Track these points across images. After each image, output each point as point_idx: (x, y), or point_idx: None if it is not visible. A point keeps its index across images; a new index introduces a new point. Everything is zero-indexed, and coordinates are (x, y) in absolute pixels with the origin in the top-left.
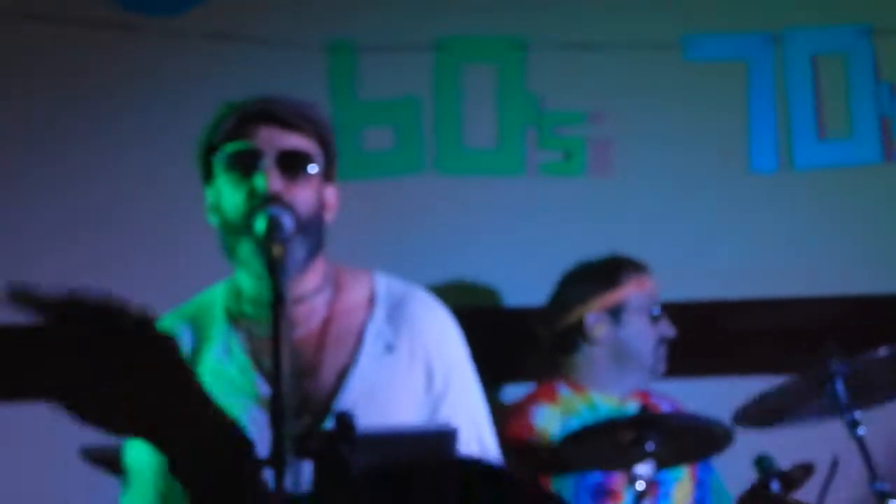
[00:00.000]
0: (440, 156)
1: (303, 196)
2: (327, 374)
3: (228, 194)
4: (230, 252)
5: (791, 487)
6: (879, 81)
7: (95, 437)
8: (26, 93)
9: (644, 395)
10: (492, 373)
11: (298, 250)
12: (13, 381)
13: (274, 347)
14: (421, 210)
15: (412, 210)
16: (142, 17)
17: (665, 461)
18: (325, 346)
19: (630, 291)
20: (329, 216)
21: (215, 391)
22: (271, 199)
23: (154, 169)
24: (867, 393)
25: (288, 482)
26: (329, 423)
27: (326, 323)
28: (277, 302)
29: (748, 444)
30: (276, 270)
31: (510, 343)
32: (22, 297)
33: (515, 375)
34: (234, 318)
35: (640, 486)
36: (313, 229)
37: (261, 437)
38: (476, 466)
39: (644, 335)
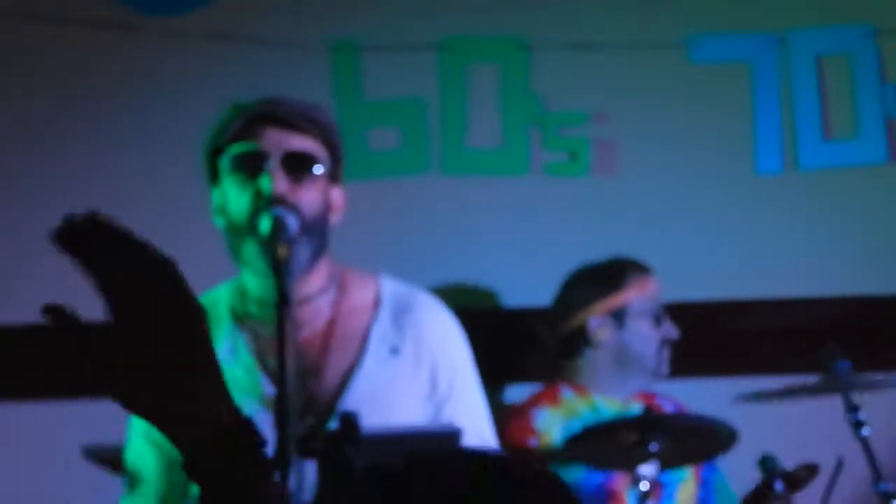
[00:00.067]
0: (444, 156)
1: (308, 197)
2: (332, 375)
3: (234, 196)
4: (235, 253)
5: (795, 488)
6: (885, 82)
7: (96, 436)
8: (26, 93)
9: (649, 396)
10: (495, 373)
11: (303, 251)
12: (14, 381)
13: (279, 348)
14: (425, 210)
15: (417, 210)
16: (142, 17)
17: (669, 462)
18: (329, 348)
19: (633, 295)
20: (335, 217)
21: None
22: (276, 201)
23: (154, 169)
24: None
25: (292, 482)
26: (333, 424)
27: (331, 324)
28: (282, 302)
29: (752, 444)
30: (280, 271)
31: (514, 344)
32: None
33: (518, 376)
34: (240, 319)
35: (644, 486)
36: (318, 230)
37: (266, 438)
38: (483, 458)
39: (647, 338)
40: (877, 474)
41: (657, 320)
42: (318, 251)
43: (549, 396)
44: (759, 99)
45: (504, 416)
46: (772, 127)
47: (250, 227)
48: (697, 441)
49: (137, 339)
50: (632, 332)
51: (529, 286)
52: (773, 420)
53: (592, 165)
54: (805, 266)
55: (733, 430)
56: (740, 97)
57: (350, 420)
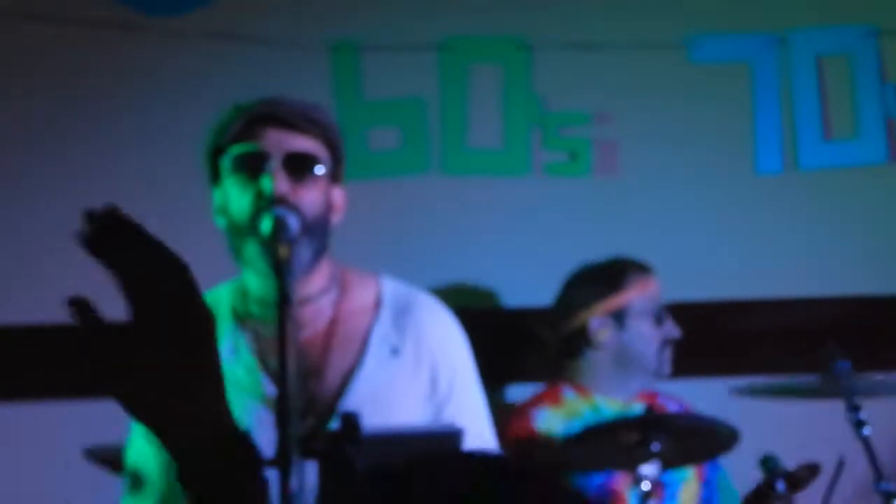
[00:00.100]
0: (445, 156)
1: (309, 198)
2: (332, 376)
3: (235, 196)
4: (237, 253)
5: (797, 487)
6: (885, 82)
7: (97, 436)
8: (26, 93)
9: (651, 395)
10: (495, 374)
11: (304, 251)
12: (14, 381)
13: (280, 348)
14: (426, 210)
15: (417, 210)
16: (142, 16)
17: (670, 462)
18: (330, 348)
19: (633, 295)
20: (336, 218)
21: None
22: (278, 201)
23: (154, 169)
24: None
25: (293, 483)
26: (334, 425)
27: (332, 324)
28: (283, 303)
29: (753, 444)
30: (281, 271)
31: (515, 344)
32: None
33: (519, 376)
34: (241, 318)
35: (646, 486)
36: (319, 231)
37: (267, 438)
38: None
39: (648, 338)
40: (878, 474)
41: (658, 320)
42: (320, 251)
43: (550, 396)
44: (760, 99)
45: (505, 415)
46: (772, 127)
47: (251, 227)
48: (699, 441)
49: (145, 339)
50: (633, 332)
51: (530, 286)
52: (774, 420)
53: (594, 165)
54: (805, 266)
55: (734, 430)
56: (740, 97)
57: (351, 420)
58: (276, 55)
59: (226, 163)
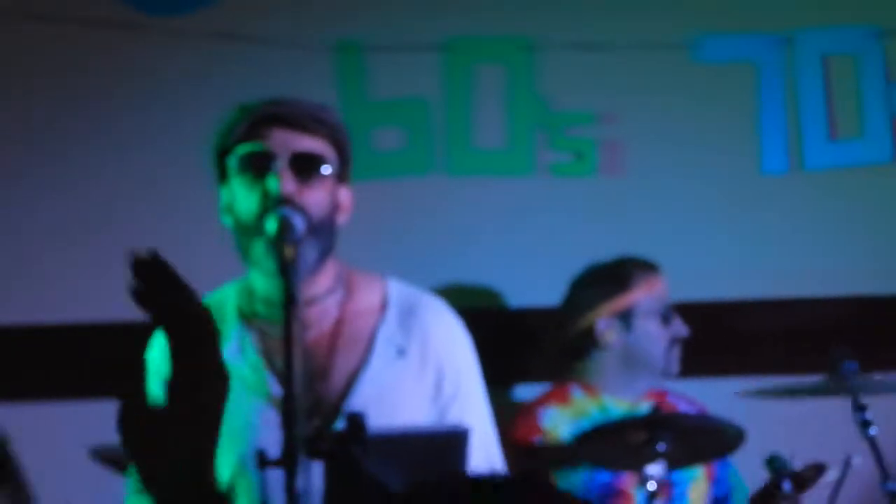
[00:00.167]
0: (449, 156)
1: (315, 198)
2: (338, 377)
3: (242, 196)
4: (243, 253)
5: (803, 487)
6: (890, 82)
7: (97, 436)
8: (26, 93)
9: (661, 394)
10: (500, 374)
11: (310, 252)
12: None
13: (286, 348)
14: (430, 211)
15: (422, 211)
16: (142, 16)
17: (677, 461)
18: (336, 349)
19: (640, 295)
20: (342, 218)
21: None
22: (284, 201)
23: (154, 169)
24: None
25: (299, 483)
26: (339, 425)
27: (338, 325)
28: (289, 303)
29: (760, 444)
30: (287, 271)
31: (520, 344)
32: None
33: (523, 376)
34: (247, 318)
35: (652, 486)
36: (325, 231)
37: (273, 438)
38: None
39: (655, 338)
40: (884, 474)
41: (665, 319)
42: (326, 252)
43: (558, 395)
44: (765, 99)
45: (509, 415)
46: (777, 127)
47: (258, 227)
48: (705, 441)
49: (174, 418)
50: (639, 332)
51: (535, 286)
52: (780, 420)
53: (599, 165)
54: (810, 266)
55: (741, 429)
56: (746, 97)
57: (357, 421)
58: (276, 55)
59: (232, 162)
